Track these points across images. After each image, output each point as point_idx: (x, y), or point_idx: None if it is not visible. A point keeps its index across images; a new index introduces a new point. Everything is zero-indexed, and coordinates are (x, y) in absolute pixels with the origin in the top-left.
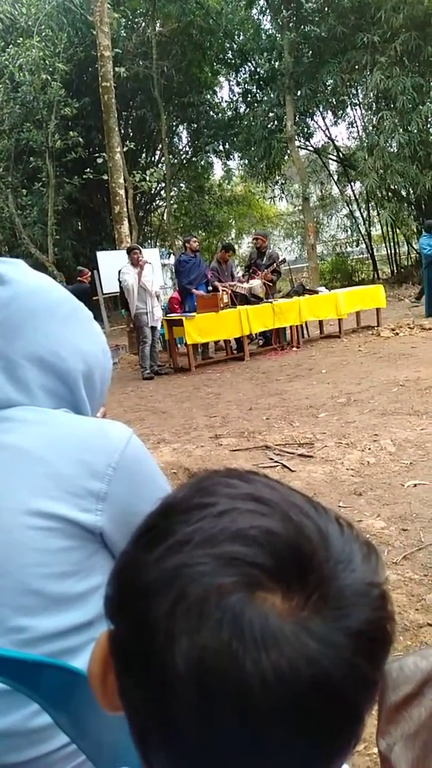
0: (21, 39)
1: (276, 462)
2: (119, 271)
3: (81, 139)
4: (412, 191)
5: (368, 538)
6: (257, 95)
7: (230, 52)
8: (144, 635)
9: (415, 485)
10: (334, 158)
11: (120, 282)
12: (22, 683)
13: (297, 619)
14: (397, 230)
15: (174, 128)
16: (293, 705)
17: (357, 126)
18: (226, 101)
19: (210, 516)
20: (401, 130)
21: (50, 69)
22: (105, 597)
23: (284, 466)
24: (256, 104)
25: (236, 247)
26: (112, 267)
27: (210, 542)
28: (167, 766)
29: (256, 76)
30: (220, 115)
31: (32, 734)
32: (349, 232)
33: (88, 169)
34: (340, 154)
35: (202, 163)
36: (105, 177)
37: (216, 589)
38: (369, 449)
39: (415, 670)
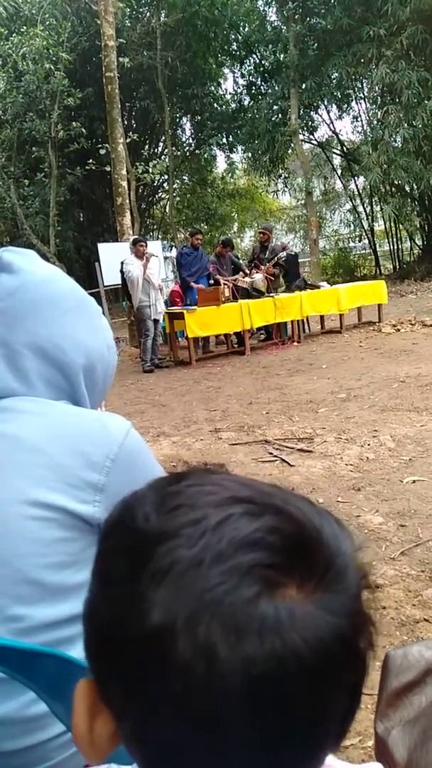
0: (25, 28)
1: (275, 456)
2: (122, 263)
3: (84, 130)
4: (415, 186)
5: (364, 532)
6: (261, 88)
7: (235, 43)
8: (172, 677)
9: (413, 481)
10: (338, 152)
11: (123, 274)
12: (18, 672)
13: (313, 602)
14: (400, 226)
15: (177, 120)
16: (327, 674)
17: (361, 120)
18: (230, 93)
19: (209, 530)
20: (406, 124)
21: (54, 58)
22: (85, 648)
23: (283, 460)
24: (260, 97)
25: (238, 241)
26: (113, 259)
27: (222, 558)
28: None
29: (261, 69)
30: (224, 107)
31: (28, 722)
32: (352, 227)
33: (91, 160)
34: (344, 149)
35: (206, 155)
36: (107, 168)
37: (244, 603)
38: (368, 445)
39: (419, 659)
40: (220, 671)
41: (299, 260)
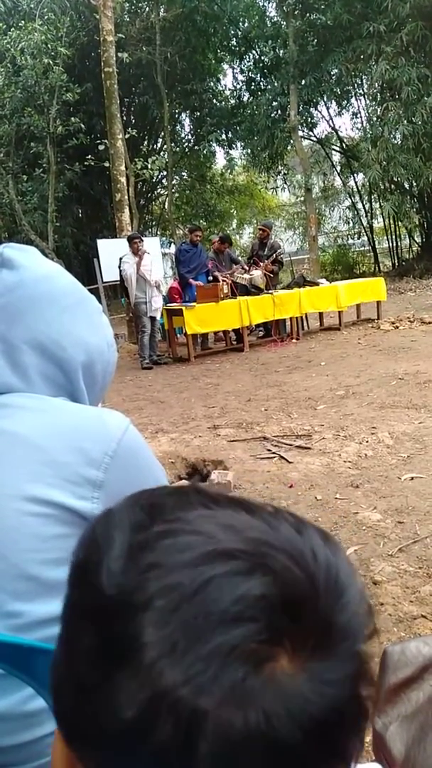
0: (23, 22)
1: (273, 453)
2: (120, 259)
3: (82, 126)
4: (415, 184)
5: (362, 529)
6: (261, 84)
7: (234, 39)
8: (149, 762)
9: (411, 478)
10: (338, 149)
11: (120, 270)
12: (17, 667)
13: (306, 673)
14: (399, 223)
15: (176, 116)
16: (322, 749)
17: (361, 117)
18: (229, 89)
19: (185, 602)
20: (405, 121)
21: (52, 53)
22: (54, 716)
23: (282, 457)
24: (259, 93)
25: (237, 237)
26: (112, 255)
27: (200, 641)
28: None
29: (260, 64)
30: (223, 103)
31: (27, 718)
32: (351, 224)
33: (90, 156)
34: (344, 145)
35: (205, 151)
36: (106, 164)
37: (230, 689)
38: (367, 442)
39: (416, 655)
40: (201, 756)
41: (298, 257)
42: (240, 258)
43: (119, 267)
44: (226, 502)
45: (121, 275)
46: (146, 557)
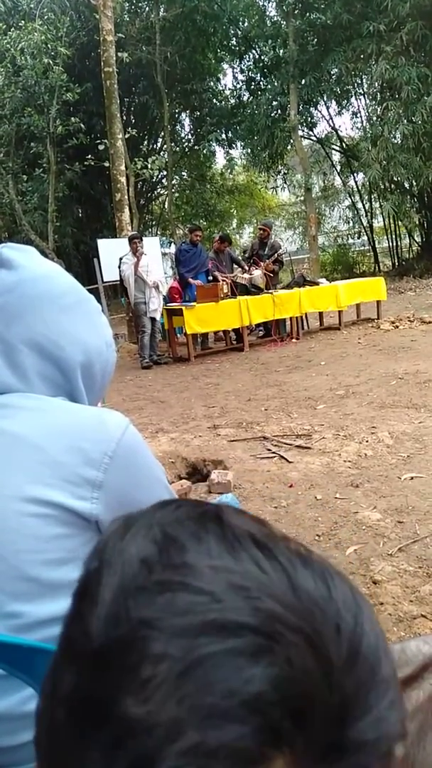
0: (23, 22)
1: (273, 453)
2: (120, 259)
3: (82, 125)
4: (415, 183)
5: (362, 529)
6: (261, 83)
7: (234, 38)
8: None
9: (411, 478)
10: (338, 149)
11: (120, 271)
12: (17, 668)
13: None
14: (399, 223)
15: (176, 116)
16: None
17: (361, 116)
18: (229, 89)
19: (166, 681)
20: (405, 121)
21: (52, 53)
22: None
23: (282, 457)
24: (259, 92)
25: (237, 237)
26: (112, 255)
27: (178, 733)
28: None
29: (260, 64)
30: (223, 103)
31: (27, 718)
32: (351, 224)
33: (90, 156)
34: (344, 145)
35: (205, 151)
36: (106, 164)
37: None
38: (367, 441)
39: (416, 653)
40: None
41: (298, 257)
42: (240, 257)
43: (119, 267)
44: (249, 543)
45: (120, 275)
46: (140, 610)
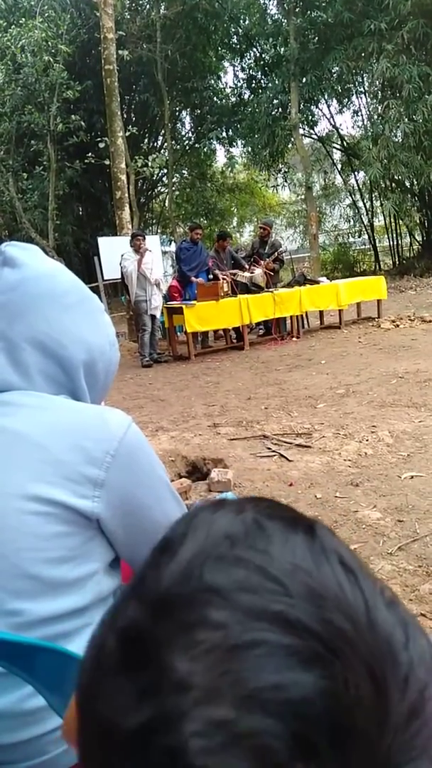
0: (23, 20)
1: (273, 452)
2: (121, 256)
3: (83, 123)
4: (416, 182)
5: (362, 527)
6: (262, 81)
7: (235, 36)
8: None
9: (411, 477)
10: (338, 147)
11: (121, 268)
12: (16, 665)
13: None
14: (400, 221)
15: (177, 114)
16: None
17: (362, 115)
18: (230, 87)
19: (217, 650)
20: (406, 119)
21: (53, 51)
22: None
23: (282, 455)
24: (260, 91)
25: (237, 235)
26: (112, 253)
27: (213, 701)
28: None
29: (261, 62)
30: (223, 101)
31: (26, 716)
32: (352, 223)
33: (90, 154)
34: (344, 143)
35: (205, 149)
36: (107, 162)
37: None
38: (367, 440)
39: None
40: None
41: (298, 255)
42: (240, 256)
43: (120, 264)
44: (336, 561)
45: (122, 272)
46: (213, 575)
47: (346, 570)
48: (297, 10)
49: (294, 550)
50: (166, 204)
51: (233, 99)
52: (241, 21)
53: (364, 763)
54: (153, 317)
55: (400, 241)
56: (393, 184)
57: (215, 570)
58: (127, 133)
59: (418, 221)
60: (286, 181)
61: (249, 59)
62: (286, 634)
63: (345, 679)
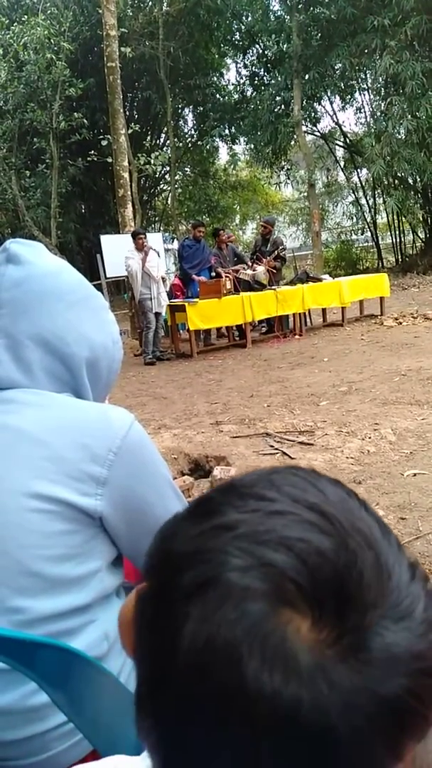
0: (26, 17)
1: (276, 449)
2: (126, 256)
3: (85, 121)
4: (419, 179)
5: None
6: (264, 78)
7: (238, 33)
8: (162, 601)
9: (414, 475)
10: (341, 144)
11: (127, 266)
12: (19, 662)
13: (319, 656)
14: (403, 219)
15: (180, 111)
16: (281, 740)
17: (365, 111)
18: (232, 84)
19: (262, 511)
20: (410, 116)
21: (55, 48)
22: (146, 553)
23: (284, 453)
24: (263, 87)
25: (240, 233)
26: (115, 251)
27: (252, 538)
28: (151, 738)
29: (264, 59)
30: (226, 98)
31: (29, 713)
32: (355, 220)
33: (93, 152)
34: (347, 140)
35: (208, 147)
36: (109, 159)
37: (241, 589)
38: (369, 438)
39: None
40: (181, 629)
41: (301, 253)
42: (244, 253)
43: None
44: (370, 510)
45: (127, 270)
46: (276, 476)
47: (377, 520)
48: (300, 6)
49: (340, 492)
50: (169, 201)
51: (236, 96)
52: (244, 17)
53: (359, 611)
54: (157, 314)
55: (403, 239)
56: (396, 181)
57: (279, 476)
58: (130, 131)
59: (421, 218)
60: (288, 178)
61: (252, 56)
62: (317, 517)
63: (347, 548)
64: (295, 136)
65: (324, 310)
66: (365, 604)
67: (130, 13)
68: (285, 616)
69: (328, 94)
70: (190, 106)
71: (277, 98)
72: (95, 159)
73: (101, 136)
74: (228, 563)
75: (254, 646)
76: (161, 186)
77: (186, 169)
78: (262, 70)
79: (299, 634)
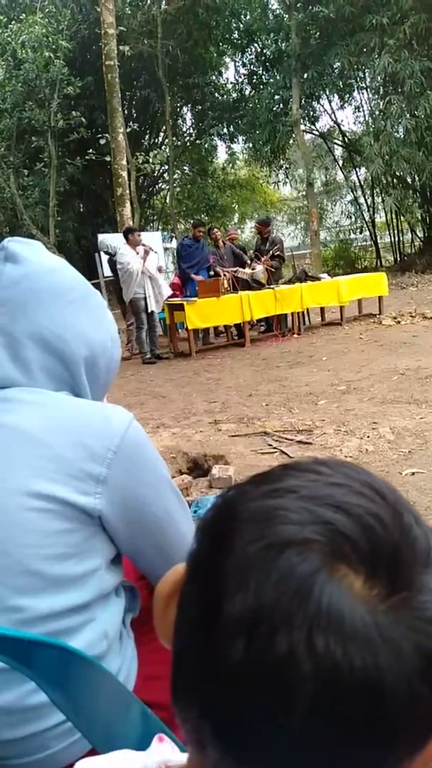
0: (24, 15)
1: (274, 448)
2: (117, 251)
3: (84, 119)
4: (417, 178)
5: None
6: (263, 77)
7: (236, 32)
8: (221, 553)
9: (412, 474)
10: (340, 143)
11: (118, 264)
12: (18, 661)
13: (372, 609)
14: (402, 218)
15: (178, 110)
16: (330, 695)
17: (363, 110)
18: (231, 83)
19: (322, 482)
20: (408, 115)
21: (53, 46)
22: (201, 518)
23: (283, 452)
24: (261, 86)
25: (239, 231)
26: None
27: (313, 500)
28: (202, 728)
29: (262, 58)
30: (224, 96)
31: (28, 712)
32: (353, 219)
33: (91, 150)
34: (346, 139)
35: (206, 145)
36: (108, 158)
37: (300, 540)
38: (368, 437)
39: None
40: (236, 581)
41: (300, 252)
42: (242, 252)
43: (116, 258)
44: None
45: (115, 268)
46: (320, 461)
47: (387, 484)
48: (298, 5)
49: (351, 472)
50: (167, 200)
51: (234, 95)
52: (242, 16)
53: (404, 566)
54: (151, 314)
55: (401, 238)
56: (394, 180)
57: (329, 461)
58: (128, 130)
59: (419, 217)
60: (287, 177)
61: (250, 55)
62: (371, 492)
63: (402, 520)
64: (293, 135)
65: (322, 309)
66: (417, 565)
67: (129, 12)
68: (340, 571)
69: (327, 92)
70: (189, 105)
71: (276, 97)
72: (93, 158)
73: (99, 135)
74: (288, 518)
75: (309, 602)
76: (159, 185)
77: (184, 167)
78: (261, 68)
79: (353, 589)
